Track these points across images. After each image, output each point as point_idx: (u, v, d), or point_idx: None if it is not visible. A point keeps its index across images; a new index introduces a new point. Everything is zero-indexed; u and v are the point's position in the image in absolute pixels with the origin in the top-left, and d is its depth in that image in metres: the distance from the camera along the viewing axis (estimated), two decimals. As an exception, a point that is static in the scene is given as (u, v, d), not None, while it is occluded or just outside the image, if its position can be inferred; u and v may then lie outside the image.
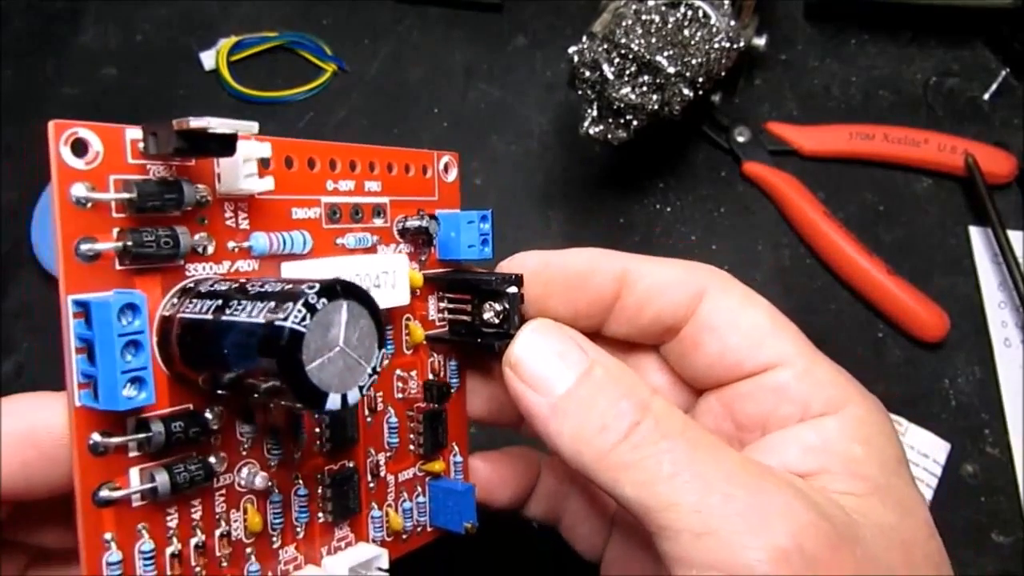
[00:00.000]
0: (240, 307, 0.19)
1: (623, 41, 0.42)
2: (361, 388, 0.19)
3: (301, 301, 0.18)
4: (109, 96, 0.56)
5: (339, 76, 0.57)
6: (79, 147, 0.19)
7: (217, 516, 0.22)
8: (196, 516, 0.21)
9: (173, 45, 0.58)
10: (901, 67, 0.57)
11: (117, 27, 0.59)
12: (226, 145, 0.20)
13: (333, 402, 0.18)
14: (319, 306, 0.18)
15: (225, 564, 0.22)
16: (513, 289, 0.25)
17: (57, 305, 0.19)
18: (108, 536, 0.19)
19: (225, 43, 0.57)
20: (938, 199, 0.52)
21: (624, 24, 0.42)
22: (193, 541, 0.21)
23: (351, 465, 0.26)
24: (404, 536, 0.28)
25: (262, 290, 0.19)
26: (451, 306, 0.28)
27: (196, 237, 0.21)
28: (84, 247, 0.19)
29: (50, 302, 0.48)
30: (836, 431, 0.24)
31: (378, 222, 0.26)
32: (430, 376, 0.28)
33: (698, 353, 0.27)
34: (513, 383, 0.24)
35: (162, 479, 0.20)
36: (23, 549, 0.24)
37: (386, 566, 0.26)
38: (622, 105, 0.42)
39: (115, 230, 0.20)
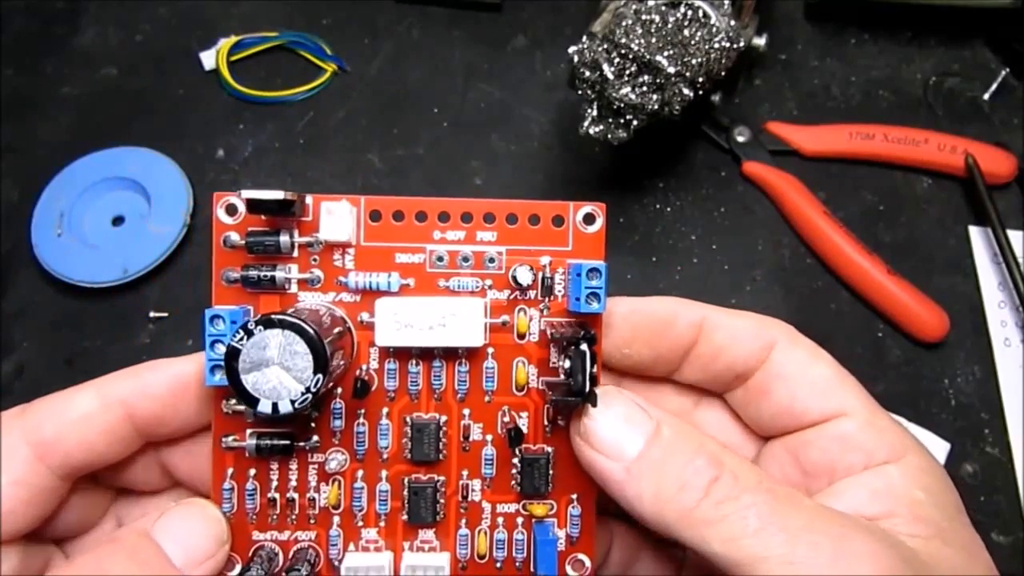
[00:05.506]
0: None
1: (623, 41, 0.42)
2: (294, 402, 0.23)
3: (243, 326, 0.23)
4: (109, 96, 0.56)
5: (339, 76, 0.57)
6: (232, 209, 0.27)
7: (309, 484, 0.28)
8: (293, 479, 0.28)
9: (173, 45, 0.58)
10: (901, 67, 0.57)
11: (117, 27, 0.59)
12: (283, 207, 0.25)
13: (264, 407, 0.23)
14: (255, 331, 0.23)
15: (313, 521, 0.28)
16: (584, 347, 0.25)
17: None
18: (229, 471, 0.27)
19: (225, 43, 0.57)
20: (938, 199, 0.52)
21: (624, 24, 0.42)
22: (288, 495, 0.28)
23: (435, 478, 0.28)
24: (486, 563, 0.28)
25: None
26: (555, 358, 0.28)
27: (308, 272, 0.27)
28: (225, 274, 0.27)
29: (50, 302, 0.49)
30: (899, 478, 0.25)
31: (491, 268, 0.28)
32: (531, 421, 0.28)
33: (766, 401, 0.28)
34: (584, 452, 0.25)
35: (253, 443, 0.27)
36: (112, 488, 0.29)
37: None
38: (622, 105, 0.42)
39: (242, 265, 0.27)
